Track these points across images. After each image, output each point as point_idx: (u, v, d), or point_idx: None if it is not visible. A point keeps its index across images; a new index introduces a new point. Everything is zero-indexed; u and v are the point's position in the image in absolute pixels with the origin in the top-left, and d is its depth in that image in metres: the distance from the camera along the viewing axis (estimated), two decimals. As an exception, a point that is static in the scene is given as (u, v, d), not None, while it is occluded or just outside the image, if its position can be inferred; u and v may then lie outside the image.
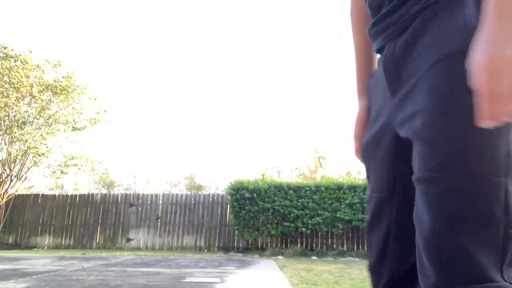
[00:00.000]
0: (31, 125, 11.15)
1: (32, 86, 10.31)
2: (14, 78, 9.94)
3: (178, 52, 41.33)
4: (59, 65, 11.22)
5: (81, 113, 11.66)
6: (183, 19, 41.29)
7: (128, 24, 39.55)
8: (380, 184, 0.91)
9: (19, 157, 10.89)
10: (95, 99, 11.73)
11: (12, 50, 10.56)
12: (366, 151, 0.95)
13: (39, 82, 10.82)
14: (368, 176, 0.97)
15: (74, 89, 11.20)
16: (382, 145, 0.89)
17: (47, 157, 11.56)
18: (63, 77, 11.16)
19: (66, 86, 10.91)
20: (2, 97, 10.10)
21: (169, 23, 40.86)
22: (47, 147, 11.39)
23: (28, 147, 10.54)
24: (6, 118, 10.80)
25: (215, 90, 43.59)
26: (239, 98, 44.08)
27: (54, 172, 11.97)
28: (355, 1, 1.07)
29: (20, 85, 9.94)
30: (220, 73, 42.53)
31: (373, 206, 0.92)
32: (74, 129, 11.55)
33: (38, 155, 11.11)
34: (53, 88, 10.76)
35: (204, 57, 42.10)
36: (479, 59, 0.62)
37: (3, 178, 10.82)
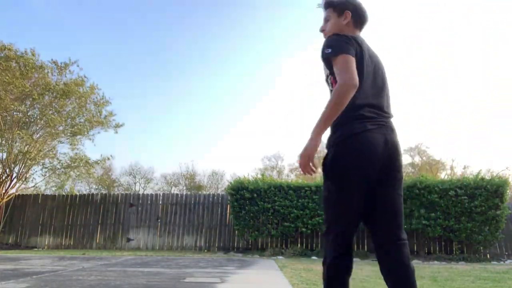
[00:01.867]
0: (33, 127, 11.11)
1: (32, 88, 10.21)
2: (9, 79, 9.82)
3: (178, 52, 41.26)
4: (66, 68, 11.13)
5: (84, 117, 11.60)
6: (186, 21, 41.23)
7: (131, 25, 39.51)
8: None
9: (19, 157, 10.86)
10: (102, 105, 11.67)
11: (15, 51, 10.46)
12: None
13: (41, 84, 10.72)
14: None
15: (82, 95, 11.11)
16: None
17: (48, 157, 11.54)
18: (71, 80, 11.08)
19: (72, 89, 10.81)
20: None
21: (173, 25, 40.83)
22: (47, 149, 11.36)
23: (27, 149, 10.49)
24: (7, 118, 10.77)
25: (215, 89, 43.51)
26: (239, 97, 44.01)
27: (54, 172, 11.95)
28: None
29: (13, 86, 9.84)
30: (221, 72, 42.46)
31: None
32: (75, 133, 11.49)
33: (39, 157, 11.08)
34: (57, 91, 10.66)
35: (206, 57, 42.02)
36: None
37: (3, 178, 10.81)
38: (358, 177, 1.76)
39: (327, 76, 1.93)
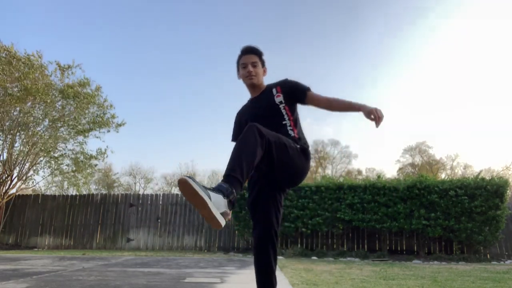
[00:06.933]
0: (36, 127, 11.09)
1: (42, 91, 10.19)
2: (24, 83, 9.84)
3: (179, 53, 41.27)
4: (69, 69, 11.10)
5: (87, 118, 11.58)
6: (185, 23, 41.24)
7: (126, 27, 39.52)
8: None
9: (20, 158, 10.84)
10: (105, 108, 11.65)
11: (17, 52, 10.41)
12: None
13: (45, 86, 10.70)
14: None
15: (86, 97, 11.08)
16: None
17: (52, 158, 11.52)
18: (76, 82, 11.05)
19: (75, 91, 10.79)
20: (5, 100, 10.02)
21: (166, 28, 40.83)
22: (51, 149, 11.34)
23: (30, 148, 10.47)
24: (8, 119, 10.75)
25: (215, 87, 43.52)
26: (240, 96, 43.97)
27: (53, 171, 11.93)
28: None
29: (28, 91, 9.87)
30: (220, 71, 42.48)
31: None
32: (79, 132, 11.47)
33: (43, 155, 11.07)
34: (63, 93, 10.64)
35: (207, 54, 42.06)
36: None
37: (4, 178, 10.80)
38: None
39: (280, 102, 2.31)
